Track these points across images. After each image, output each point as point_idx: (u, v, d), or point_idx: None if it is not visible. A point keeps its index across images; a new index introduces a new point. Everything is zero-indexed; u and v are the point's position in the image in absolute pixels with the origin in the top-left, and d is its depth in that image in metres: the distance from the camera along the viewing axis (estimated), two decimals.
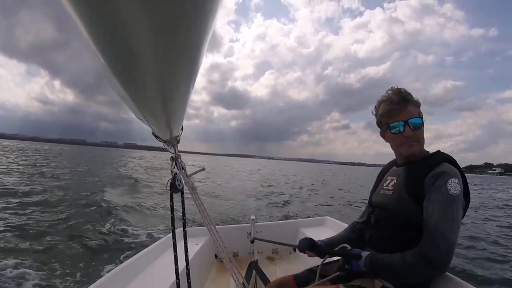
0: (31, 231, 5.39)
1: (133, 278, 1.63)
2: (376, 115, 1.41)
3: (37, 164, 20.58)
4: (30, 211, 6.88)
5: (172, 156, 0.97)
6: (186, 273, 1.05)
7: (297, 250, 2.76)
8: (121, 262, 1.72)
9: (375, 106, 1.41)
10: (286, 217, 8.32)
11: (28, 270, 3.81)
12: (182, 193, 1.00)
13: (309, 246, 1.51)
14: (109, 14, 0.29)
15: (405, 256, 1.16)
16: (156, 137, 0.85)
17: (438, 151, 1.35)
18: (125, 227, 6.01)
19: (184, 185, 1.01)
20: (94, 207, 7.50)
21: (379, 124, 1.41)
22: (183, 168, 1.02)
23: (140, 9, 0.28)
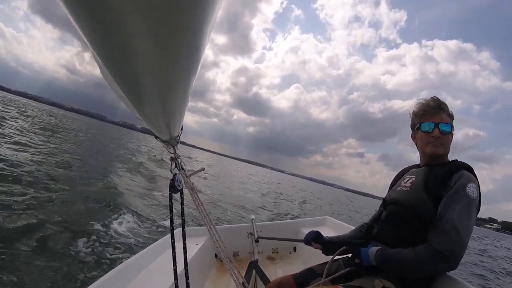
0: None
1: (132, 278, 1.61)
2: (412, 117, 1.50)
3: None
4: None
5: (171, 157, 0.97)
6: (185, 273, 1.04)
7: (297, 249, 2.90)
8: (120, 262, 1.71)
9: (413, 110, 1.49)
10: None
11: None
12: (182, 193, 1.00)
13: (314, 238, 1.57)
14: (106, 14, 0.29)
15: (417, 250, 1.18)
16: (156, 137, 0.84)
17: (456, 160, 1.41)
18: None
19: (183, 185, 1.01)
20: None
21: (412, 125, 1.49)
22: (182, 169, 1.03)
23: (137, 10, 0.28)
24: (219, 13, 0.39)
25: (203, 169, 1.28)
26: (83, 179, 7.62)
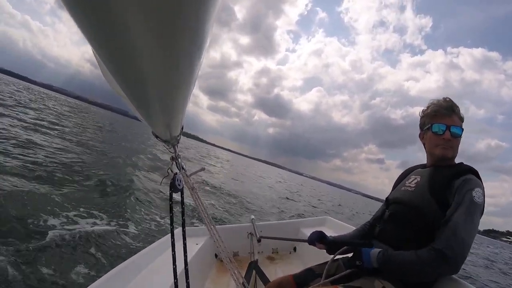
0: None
1: (132, 278, 1.62)
2: (422, 116, 1.48)
3: None
4: None
5: (172, 156, 0.97)
6: (185, 273, 1.05)
7: (297, 250, 2.90)
8: (121, 262, 1.78)
9: (423, 109, 1.48)
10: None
11: None
12: (182, 193, 1.01)
13: (319, 238, 1.59)
14: (107, 15, 0.29)
15: (419, 253, 1.16)
16: (156, 137, 0.85)
17: (461, 163, 1.40)
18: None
19: (184, 185, 1.01)
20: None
21: (422, 125, 1.48)
22: (183, 168, 1.04)
23: (138, 10, 0.28)
24: (220, 9, 0.38)
25: (203, 169, 1.30)
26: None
